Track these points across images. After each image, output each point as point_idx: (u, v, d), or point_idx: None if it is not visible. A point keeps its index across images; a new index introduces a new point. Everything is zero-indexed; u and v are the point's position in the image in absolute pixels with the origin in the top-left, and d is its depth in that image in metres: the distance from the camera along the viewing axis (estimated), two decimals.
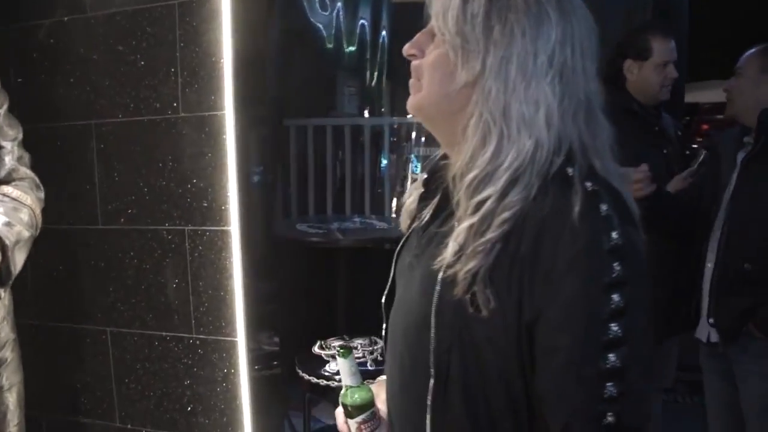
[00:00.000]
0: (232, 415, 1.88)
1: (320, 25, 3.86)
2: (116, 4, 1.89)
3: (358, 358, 2.16)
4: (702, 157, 2.25)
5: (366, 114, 4.09)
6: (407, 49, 1.00)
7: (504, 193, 0.87)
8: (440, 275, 0.90)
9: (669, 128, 2.46)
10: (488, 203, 0.87)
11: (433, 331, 0.91)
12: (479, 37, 0.91)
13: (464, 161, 0.91)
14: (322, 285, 2.98)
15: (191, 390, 1.92)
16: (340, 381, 2.17)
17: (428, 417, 0.93)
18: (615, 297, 0.82)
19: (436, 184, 1.05)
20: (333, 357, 2.16)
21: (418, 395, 0.95)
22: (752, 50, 2.13)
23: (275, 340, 2.02)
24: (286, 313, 2.09)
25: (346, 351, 1.07)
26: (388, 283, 1.12)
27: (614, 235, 0.83)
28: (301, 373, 2.12)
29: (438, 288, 0.90)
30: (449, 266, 0.88)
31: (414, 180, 1.19)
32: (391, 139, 4.00)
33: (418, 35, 1.00)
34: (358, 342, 2.31)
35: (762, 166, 1.98)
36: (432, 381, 0.91)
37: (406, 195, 1.14)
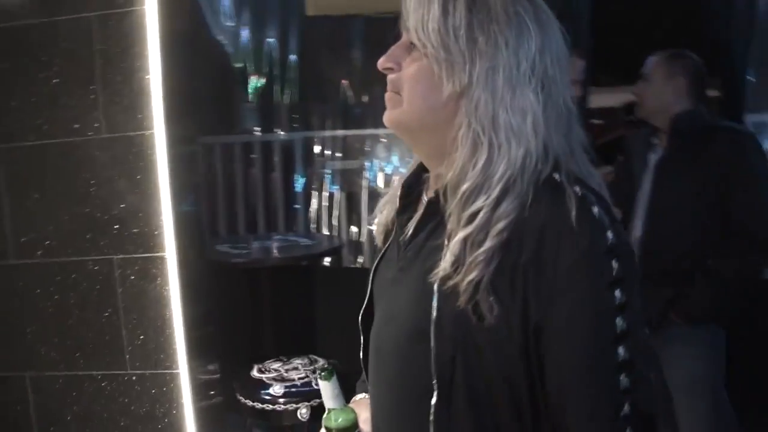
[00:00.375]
0: None
1: (223, 40, 3.74)
2: (21, 15, 1.73)
3: (301, 378, 2.10)
4: (619, 157, 2.39)
5: (283, 132, 4.01)
6: (383, 63, 0.98)
7: (497, 203, 0.87)
8: (436, 287, 0.89)
9: None
10: (482, 214, 0.87)
11: (433, 342, 0.89)
12: (464, 49, 0.91)
13: (455, 173, 0.91)
14: (249, 307, 2.88)
15: (129, 430, 1.78)
16: (282, 404, 2.10)
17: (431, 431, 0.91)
18: (617, 293, 0.85)
19: (415, 197, 1.04)
20: (277, 380, 2.09)
21: (416, 410, 0.92)
22: (657, 56, 2.28)
23: (215, 368, 1.91)
24: (222, 339, 1.99)
25: (329, 373, 1.04)
26: (366, 301, 1.09)
27: (609, 235, 0.86)
28: (243, 400, 2.03)
29: (435, 300, 0.89)
30: (447, 278, 0.88)
31: (375, 195, 1.16)
32: (304, 155, 3.96)
33: (393, 48, 0.99)
34: (297, 362, 2.25)
35: (676, 167, 2.13)
36: (435, 392, 0.90)
37: (377, 209, 1.12)
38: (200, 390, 1.84)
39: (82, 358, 1.78)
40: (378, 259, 1.08)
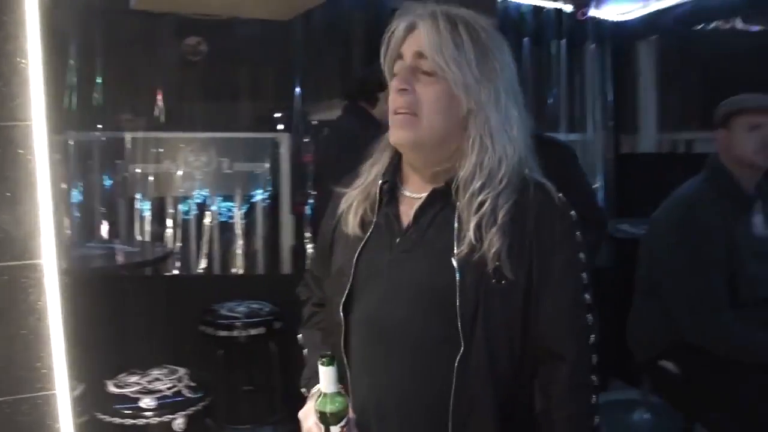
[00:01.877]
0: None
1: None
2: None
3: (170, 388, 1.99)
4: None
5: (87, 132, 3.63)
6: (401, 85, 1.15)
7: (499, 193, 1.14)
8: (456, 262, 1.11)
9: None
10: (488, 202, 1.13)
11: (458, 307, 1.09)
12: (476, 75, 1.14)
13: (466, 173, 1.14)
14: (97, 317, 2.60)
15: None
16: (155, 417, 2.00)
17: (453, 388, 1.09)
18: (581, 255, 1.19)
19: (395, 193, 1.23)
20: (143, 393, 1.94)
21: (438, 367, 1.10)
22: None
23: (81, 385, 1.74)
24: (90, 352, 1.81)
25: (330, 360, 1.10)
26: (348, 286, 1.21)
27: (573, 213, 1.20)
28: (108, 418, 1.85)
29: (457, 273, 1.11)
30: (471, 253, 1.11)
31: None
32: (112, 158, 3.64)
33: (403, 73, 1.18)
34: (156, 373, 2.12)
35: None
36: (462, 347, 1.09)
37: (345, 203, 1.27)
38: (71, 411, 1.67)
39: None
40: (360, 248, 1.17)
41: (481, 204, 1.12)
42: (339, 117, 3.21)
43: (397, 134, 1.13)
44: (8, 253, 1.53)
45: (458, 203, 1.13)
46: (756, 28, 4.51)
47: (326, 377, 1.09)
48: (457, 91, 1.12)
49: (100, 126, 3.61)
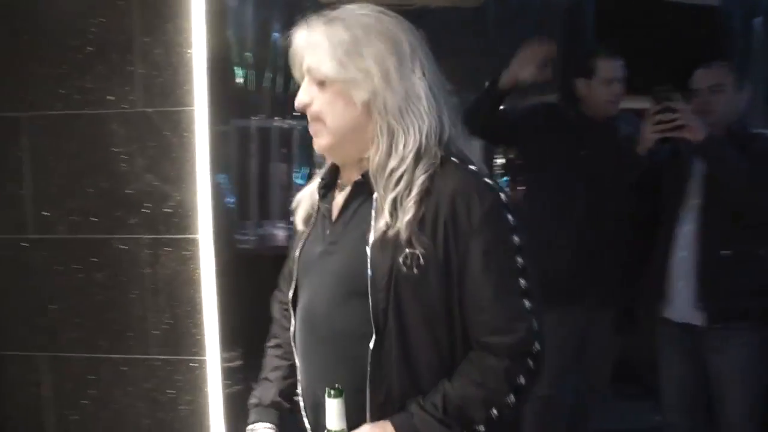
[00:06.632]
0: None
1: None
2: None
3: None
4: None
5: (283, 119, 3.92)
6: (300, 105, 1.16)
7: (414, 169, 1.10)
8: (369, 249, 1.09)
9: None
10: (404, 177, 1.10)
11: (370, 294, 1.09)
12: (357, 63, 1.10)
13: (381, 158, 1.12)
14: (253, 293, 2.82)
15: (150, 418, 1.72)
16: None
17: (368, 375, 1.10)
18: (515, 238, 1.12)
19: (331, 188, 1.24)
20: None
21: (356, 354, 1.11)
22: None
23: (237, 355, 1.86)
24: (241, 325, 1.93)
25: (338, 391, 1.05)
26: (293, 282, 1.25)
27: (502, 195, 1.12)
28: None
29: (369, 259, 1.09)
30: (385, 231, 1.09)
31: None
32: (306, 143, 3.85)
33: (300, 91, 1.17)
34: None
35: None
36: (373, 337, 1.09)
37: (295, 202, 1.29)
38: (225, 378, 1.79)
39: (103, 340, 1.71)
40: (303, 242, 1.24)
41: (398, 181, 1.10)
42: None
43: (314, 143, 1.20)
44: (173, 227, 1.68)
45: (375, 191, 1.13)
46: None
47: (336, 411, 1.04)
48: (346, 88, 1.11)
49: (277, 118, 3.84)
